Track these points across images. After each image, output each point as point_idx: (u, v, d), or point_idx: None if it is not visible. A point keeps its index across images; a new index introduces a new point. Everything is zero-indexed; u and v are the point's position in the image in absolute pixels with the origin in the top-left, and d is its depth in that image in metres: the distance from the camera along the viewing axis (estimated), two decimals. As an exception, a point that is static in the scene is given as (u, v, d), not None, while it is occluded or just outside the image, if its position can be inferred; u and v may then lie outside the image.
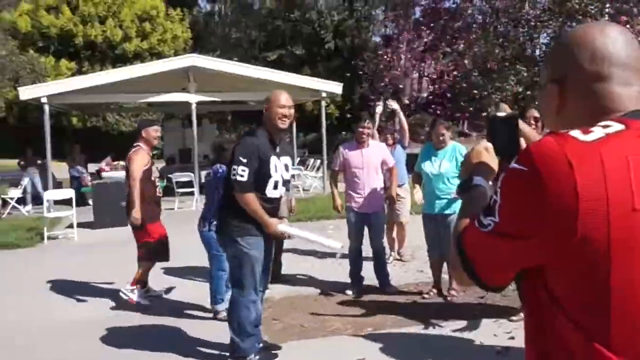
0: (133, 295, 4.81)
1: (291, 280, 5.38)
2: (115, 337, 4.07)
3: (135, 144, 4.95)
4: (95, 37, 25.03)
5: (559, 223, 0.86)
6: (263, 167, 3.30)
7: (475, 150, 1.23)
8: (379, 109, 6.26)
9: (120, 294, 4.81)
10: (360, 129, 4.98)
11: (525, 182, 0.89)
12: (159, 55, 23.09)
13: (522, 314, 3.91)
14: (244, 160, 3.24)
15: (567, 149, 0.87)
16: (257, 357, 3.40)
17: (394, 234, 6.04)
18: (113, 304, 4.92)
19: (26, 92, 11.44)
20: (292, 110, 3.41)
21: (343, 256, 3.94)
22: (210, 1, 29.67)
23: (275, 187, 3.38)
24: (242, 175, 3.23)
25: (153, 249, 4.93)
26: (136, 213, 4.69)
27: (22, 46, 23.19)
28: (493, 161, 1.20)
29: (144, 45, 25.76)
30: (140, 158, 4.81)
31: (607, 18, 13.63)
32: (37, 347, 3.98)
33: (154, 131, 4.95)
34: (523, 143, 3.88)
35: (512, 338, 3.62)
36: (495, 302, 4.49)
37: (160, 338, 4.04)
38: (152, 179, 4.91)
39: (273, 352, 3.60)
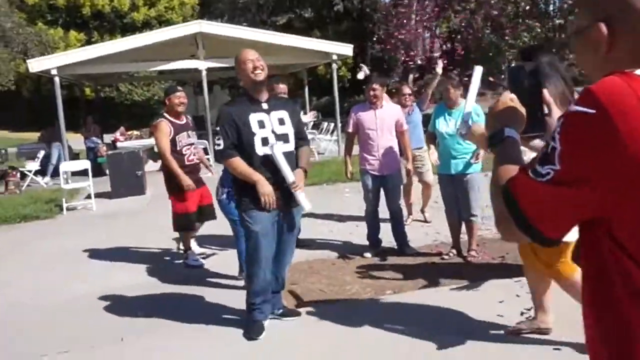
0: (187, 260, 4.93)
1: (309, 244, 5.31)
2: (137, 306, 4.05)
3: (161, 114, 4.91)
4: (103, 7, 24.66)
5: (631, 164, 0.82)
6: (241, 128, 3.20)
7: (501, 102, 1.18)
8: (361, 74, 6.02)
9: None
10: (371, 91, 4.80)
11: (592, 124, 0.84)
12: (168, 23, 22.67)
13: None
14: (218, 129, 3.24)
15: (636, 86, 0.83)
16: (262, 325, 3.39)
17: (412, 198, 5.91)
18: (134, 273, 4.90)
19: (35, 65, 11.31)
20: (263, 62, 3.27)
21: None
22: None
23: (265, 143, 3.22)
24: (218, 145, 3.22)
25: (175, 220, 4.90)
26: (184, 181, 4.64)
27: (30, 19, 22.89)
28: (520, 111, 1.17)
29: (152, 13, 25.32)
30: (161, 132, 4.72)
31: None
32: (59, 319, 3.96)
33: (176, 98, 4.82)
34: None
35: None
36: (516, 261, 4.37)
37: (183, 306, 4.00)
38: (178, 148, 4.76)
39: (291, 318, 3.55)
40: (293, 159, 3.35)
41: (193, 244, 5.10)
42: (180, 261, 5.08)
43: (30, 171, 11.51)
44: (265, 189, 3.13)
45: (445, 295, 3.78)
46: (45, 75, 11.62)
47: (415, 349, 3.02)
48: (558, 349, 2.86)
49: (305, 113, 5.28)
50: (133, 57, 11.70)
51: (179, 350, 3.26)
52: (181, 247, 5.11)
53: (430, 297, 3.76)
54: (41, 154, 11.97)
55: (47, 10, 24.87)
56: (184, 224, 4.87)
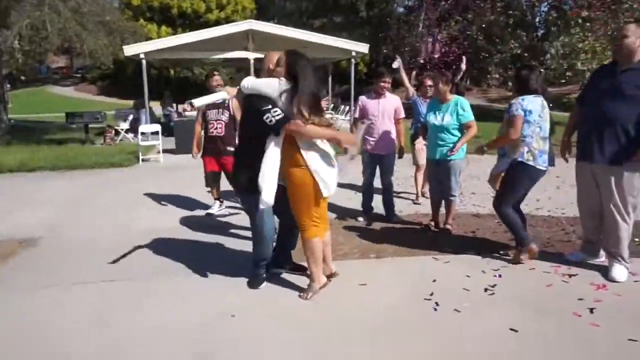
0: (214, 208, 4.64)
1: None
2: (167, 249, 3.58)
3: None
4: (186, 9, 23.88)
5: None
6: None
7: None
8: (396, 63, 5.17)
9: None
10: (382, 83, 4.09)
11: None
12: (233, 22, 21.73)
13: (510, 252, 3.22)
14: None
15: None
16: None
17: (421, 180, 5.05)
18: (177, 217, 4.49)
19: (128, 50, 10.92)
20: None
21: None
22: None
23: None
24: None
25: (205, 178, 4.53)
26: (193, 147, 4.54)
27: (134, 16, 22.39)
28: None
29: (222, 15, 24.34)
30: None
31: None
32: (110, 253, 3.55)
33: (214, 80, 4.39)
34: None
35: (500, 276, 2.91)
36: (485, 236, 3.75)
37: (202, 252, 3.54)
38: (206, 120, 4.37)
39: (297, 273, 3.02)
40: None
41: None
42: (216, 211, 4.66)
43: (122, 129, 11.39)
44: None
45: (419, 265, 3.18)
46: (136, 58, 11.21)
47: (387, 312, 2.49)
48: (515, 330, 2.28)
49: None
50: (201, 47, 11.12)
51: (189, 291, 2.78)
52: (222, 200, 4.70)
53: (406, 265, 3.19)
54: (130, 117, 11.85)
55: (146, 10, 24.21)
56: (209, 180, 4.55)
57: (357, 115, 4.29)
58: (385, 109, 4.14)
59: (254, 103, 2.51)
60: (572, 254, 3.17)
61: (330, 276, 2.86)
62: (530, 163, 2.93)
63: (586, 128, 2.84)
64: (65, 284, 2.96)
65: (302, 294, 2.72)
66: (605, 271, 2.88)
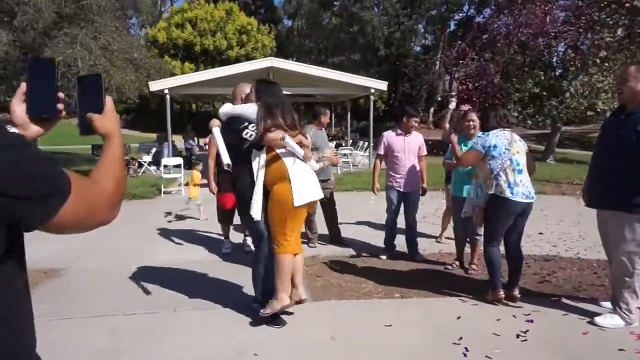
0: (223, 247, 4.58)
1: (341, 241, 4.75)
2: (191, 282, 3.62)
3: None
4: (208, 46, 25.02)
5: None
6: None
7: None
8: (453, 104, 5.16)
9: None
10: (414, 122, 4.18)
11: None
12: (253, 60, 22.67)
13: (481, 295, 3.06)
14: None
15: None
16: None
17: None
18: (197, 251, 4.53)
19: (153, 86, 11.48)
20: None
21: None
22: (290, 18, 28.73)
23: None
24: None
25: (217, 213, 4.53)
26: (209, 183, 4.35)
27: (160, 53, 23.61)
28: None
29: (242, 52, 25.40)
30: (211, 142, 4.41)
31: (621, 30, 11.50)
32: (134, 285, 3.62)
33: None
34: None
35: (532, 321, 2.83)
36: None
37: (224, 288, 3.56)
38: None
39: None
40: None
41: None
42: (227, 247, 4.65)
43: (145, 162, 11.68)
44: None
45: (447, 306, 3.12)
46: (160, 93, 11.78)
47: (414, 356, 2.43)
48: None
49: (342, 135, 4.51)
50: (223, 83, 11.62)
51: (209, 325, 2.78)
52: (246, 234, 4.59)
53: (432, 306, 3.13)
54: (153, 150, 12.20)
55: (171, 47, 25.55)
56: (219, 216, 4.52)
57: (381, 151, 4.32)
58: (411, 146, 4.21)
59: (232, 126, 2.75)
60: (606, 300, 3.07)
61: (299, 302, 2.82)
62: (503, 195, 2.95)
63: (591, 174, 2.87)
64: (87, 315, 3.00)
65: (262, 310, 2.76)
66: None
